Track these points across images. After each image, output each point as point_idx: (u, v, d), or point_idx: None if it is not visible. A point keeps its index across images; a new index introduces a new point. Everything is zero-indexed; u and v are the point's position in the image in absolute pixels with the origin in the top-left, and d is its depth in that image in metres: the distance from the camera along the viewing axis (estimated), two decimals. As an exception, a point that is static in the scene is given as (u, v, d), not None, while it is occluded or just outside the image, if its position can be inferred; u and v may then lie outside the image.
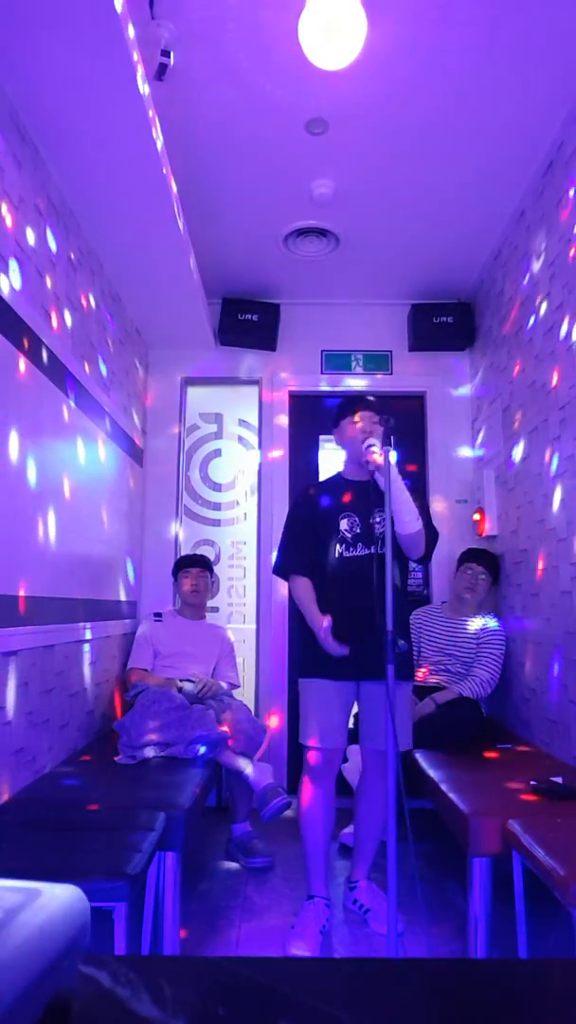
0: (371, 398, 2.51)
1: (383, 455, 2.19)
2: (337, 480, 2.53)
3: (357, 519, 2.39)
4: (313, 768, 2.36)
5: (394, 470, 2.23)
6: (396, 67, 2.38)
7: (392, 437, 2.12)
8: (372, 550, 2.35)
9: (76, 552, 2.77)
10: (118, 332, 3.42)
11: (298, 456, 4.07)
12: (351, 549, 2.37)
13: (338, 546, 2.38)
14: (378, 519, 2.36)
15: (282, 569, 2.49)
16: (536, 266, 2.92)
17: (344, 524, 2.40)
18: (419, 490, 2.62)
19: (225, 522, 4.15)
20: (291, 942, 2.19)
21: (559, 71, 2.38)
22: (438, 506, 3.95)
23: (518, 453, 3.16)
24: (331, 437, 2.60)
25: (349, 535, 2.38)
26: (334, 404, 2.60)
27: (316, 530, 2.42)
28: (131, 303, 3.50)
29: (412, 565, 4.00)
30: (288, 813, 2.83)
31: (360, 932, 2.32)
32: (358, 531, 2.37)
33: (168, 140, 2.52)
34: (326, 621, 2.27)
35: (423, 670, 3.24)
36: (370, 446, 2.26)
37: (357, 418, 2.43)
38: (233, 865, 2.89)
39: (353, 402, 2.49)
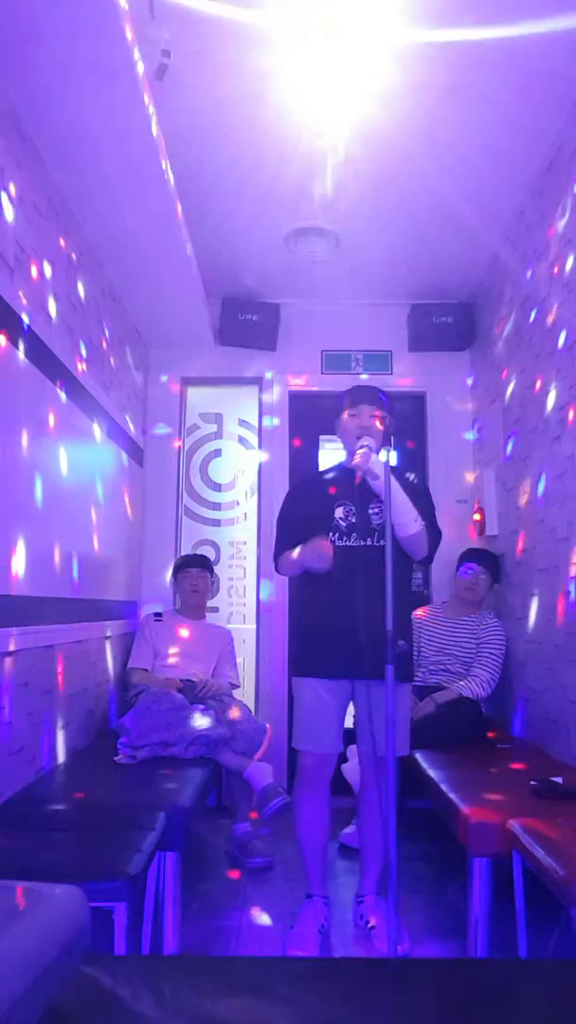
0: (372, 389, 2.39)
1: (367, 459, 2.14)
2: (338, 469, 2.46)
3: (353, 508, 2.30)
4: (305, 774, 2.30)
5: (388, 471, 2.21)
6: (396, 67, 2.38)
7: (392, 437, 2.09)
8: (368, 542, 2.27)
9: (76, 552, 2.77)
10: (118, 332, 3.42)
11: (298, 456, 4.07)
12: (344, 539, 2.28)
13: (331, 535, 2.28)
14: (375, 510, 2.29)
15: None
16: (536, 266, 2.92)
17: (339, 512, 2.31)
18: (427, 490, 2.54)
19: (225, 522, 4.15)
20: (290, 942, 2.18)
21: (559, 72, 2.38)
22: (438, 506, 3.94)
23: (518, 453, 3.16)
24: (332, 436, 2.54)
25: (343, 524, 2.29)
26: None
27: (311, 519, 2.32)
28: (131, 303, 3.50)
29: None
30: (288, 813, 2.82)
31: (360, 932, 2.32)
32: (353, 520, 2.28)
33: (168, 140, 2.52)
34: (326, 541, 2.18)
35: None
36: (361, 447, 2.19)
37: (353, 412, 2.34)
38: (233, 865, 2.89)
39: (352, 394, 2.40)
